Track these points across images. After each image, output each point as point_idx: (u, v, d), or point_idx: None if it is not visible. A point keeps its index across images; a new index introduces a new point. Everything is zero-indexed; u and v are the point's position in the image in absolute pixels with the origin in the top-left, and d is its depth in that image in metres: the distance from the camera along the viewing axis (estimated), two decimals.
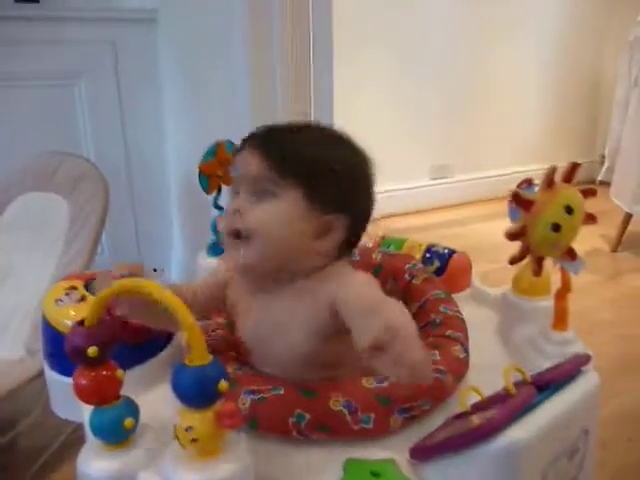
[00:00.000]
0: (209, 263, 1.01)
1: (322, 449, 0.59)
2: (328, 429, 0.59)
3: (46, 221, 1.28)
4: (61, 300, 0.76)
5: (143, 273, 0.76)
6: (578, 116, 3.41)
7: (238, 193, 0.65)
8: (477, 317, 0.87)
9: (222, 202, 1.07)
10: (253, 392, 0.61)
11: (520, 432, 0.51)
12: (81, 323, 0.53)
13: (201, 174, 1.00)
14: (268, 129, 0.66)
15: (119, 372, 0.54)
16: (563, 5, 3.16)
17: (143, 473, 0.54)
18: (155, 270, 2.00)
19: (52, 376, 0.76)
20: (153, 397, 0.64)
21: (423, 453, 0.56)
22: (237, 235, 0.63)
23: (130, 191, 1.72)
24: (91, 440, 0.55)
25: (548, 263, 0.76)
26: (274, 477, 0.56)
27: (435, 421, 0.61)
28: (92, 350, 0.51)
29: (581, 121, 3.43)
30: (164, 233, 1.83)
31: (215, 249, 1.04)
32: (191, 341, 0.47)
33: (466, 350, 0.72)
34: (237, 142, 1.03)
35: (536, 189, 0.71)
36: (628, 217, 2.28)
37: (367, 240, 0.99)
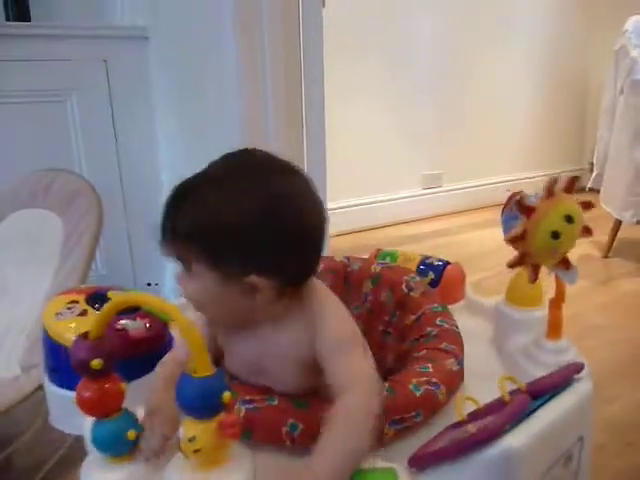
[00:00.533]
0: None
1: None
2: None
3: (40, 238, 1.28)
4: (61, 314, 0.77)
5: None
6: (567, 124, 3.45)
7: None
8: (472, 327, 0.88)
9: None
10: (247, 402, 0.62)
11: (515, 439, 0.52)
12: (84, 336, 0.53)
13: None
14: (177, 191, 0.61)
15: (122, 385, 0.55)
16: (550, 16, 3.21)
17: None
18: (149, 284, 2.01)
19: (52, 389, 0.76)
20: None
21: (421, 461, 0.57)
22: None
23: (123, 206, 1.72)
24: (93, 453, 0.56)
25: (541, 273, 0.77)
26: None
27: (430, 432, 0.61)
28: (96, 362, 0.52)
29: (569, 129, 3.47)
30: (158, 247, 1.83)
31: None
32: (195, 353, 0.48)
33: (460, 363, 0.73)
34: None
35: (533, 199, 0.73)
36: (618, 223, 2.31)
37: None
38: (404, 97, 2.84)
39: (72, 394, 0.55)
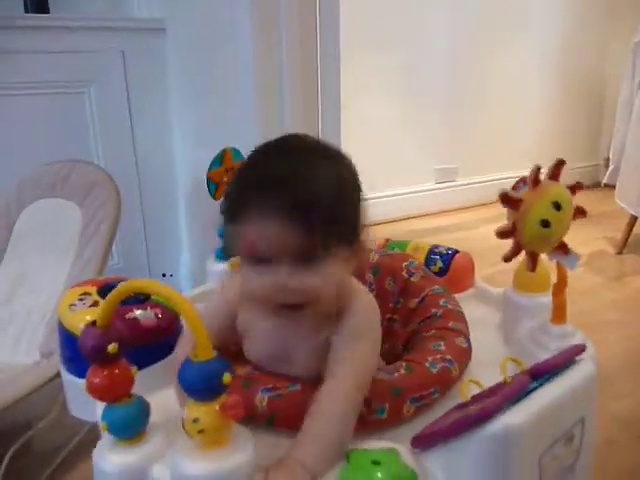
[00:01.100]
0: (218, 268, 1.04)
1: None
2: None
3: (59, 227, 1.31)
4: (75, 305, 0.79)
5: None
6: (582, 119, 3.42)
7: (269, 261, 0.57)
8: (480, 315, 0.89)
9: None
10: (270, 390, 0.63)
11: (514, 417, 0.53)
12: (93, 324, 0.55)
13: (209, 181, 1.04)
14: (277, 179, 0.57)
15: (131, 370, 0.57)
16: (566, 7, 3.17)
17: (156, 466, 0.56)
18: (164, 275, 2.03)
19: (68, 378, 0.78)
20: (163, 396, 0.66)
21: (423, 441, 0.58)
22: (291, 307, 0.59)
23: (139, 197, 1.74)
24: (105, 436, 0.58)
25: (547, 260, 0.78)
26: None
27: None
28: (112, 347, 0.53)
29: (585, 124, 3.44)
30: (173, 239, 1.85)
31: (223, 254, 1.07)
32: (196, 337, 0.49)
33: (468, 341, 0.75)
34: (244, 149, 1.06)
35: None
36: (633, 219, 2.28)
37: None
38: (418, 92, 2.83)
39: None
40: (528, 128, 3.19)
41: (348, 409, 0.59)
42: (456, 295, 0.89)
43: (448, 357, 0.70)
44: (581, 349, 0.64)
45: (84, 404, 0.69)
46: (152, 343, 0.73)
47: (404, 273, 0.88)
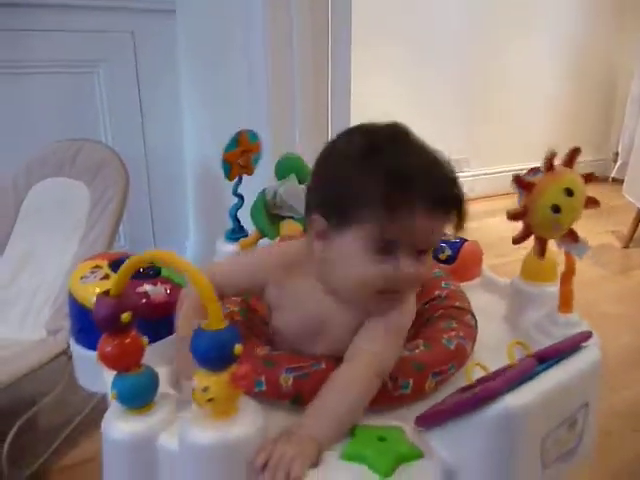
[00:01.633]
0: (228, 249, 1.05)
1: None
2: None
3: (67, 206, 1.31)
4: (86, 277, 0.80)
5: None
6: (592, 113, 3.40)
7: (393, 251, 0.60)
8: (488, 304, 0.90)
9: (242, 190, 1.09)
10: (294, 369, 0.63)
11: (517, 398, 0.53)
12: (106, 294, 0.55)
13: (224, 162, 1.04)
14: (443, 176, 0.62)
15: (142, 340, 0.57)
16: (579, 2, 3.14)
17: (164, 434, 0.57)
18: None
19: (78, 350, 0.79)
20: (170, 372, 0.67)
21: (426, 421, 0.59)
22: (395, 291, 0.63)
23: (147, 179, 1.74)
24: (114, 405, 0.58)
25: (555, 250, 0.78)
26: None
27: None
28: (126, 315, 0.54)
29: (595, 118, 3.42)
30: (180, 221, 1.85)
31: (233, 235, 1.08)
32: (208, 307, 0.50)
33: (474, 318, 0.78)
34: (255, 130, 1.06)
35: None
36: None
37: None
38: (430, 81, 2.81)
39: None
40: (538, 121, 3.18)
41: (363, 393, 0.61)
42: (463, 284, 0.89)
43: (461, 334, 0.72)
44: (587, 336, 0.64)
45: (93, 376, 0.70)
46: (161, 318, 0.74)
47: None
